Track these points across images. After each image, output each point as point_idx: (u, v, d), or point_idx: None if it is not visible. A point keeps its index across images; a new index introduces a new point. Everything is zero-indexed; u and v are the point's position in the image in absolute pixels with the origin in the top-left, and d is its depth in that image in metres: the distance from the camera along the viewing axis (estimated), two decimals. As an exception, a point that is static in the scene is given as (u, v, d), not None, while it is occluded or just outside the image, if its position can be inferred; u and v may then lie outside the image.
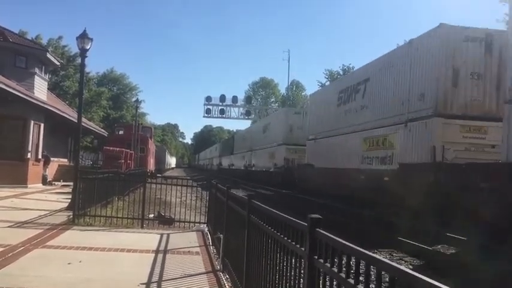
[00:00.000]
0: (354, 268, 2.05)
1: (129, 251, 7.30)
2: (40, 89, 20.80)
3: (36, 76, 20.24)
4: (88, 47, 12.28)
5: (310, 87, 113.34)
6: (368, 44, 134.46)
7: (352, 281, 2.04)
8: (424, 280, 1.50)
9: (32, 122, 19.63)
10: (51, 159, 22.77)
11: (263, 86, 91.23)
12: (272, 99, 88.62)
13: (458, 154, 11.82)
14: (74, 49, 44.75)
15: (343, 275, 2.15)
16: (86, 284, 5.18)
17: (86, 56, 12.55)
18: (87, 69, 45.57)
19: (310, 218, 2.59)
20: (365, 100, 16.80)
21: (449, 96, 12.22)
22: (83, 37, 12.10)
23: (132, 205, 11.33)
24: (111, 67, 72.49)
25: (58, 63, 24.36)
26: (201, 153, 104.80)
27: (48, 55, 21.23)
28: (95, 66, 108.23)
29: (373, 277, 1.85)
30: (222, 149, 61.96)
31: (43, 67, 21.54)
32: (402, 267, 1.68)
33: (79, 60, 21.50)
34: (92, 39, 12.26)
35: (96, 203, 10.98)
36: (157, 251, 7.39)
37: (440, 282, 1.44)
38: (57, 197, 15.46)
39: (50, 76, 30.16)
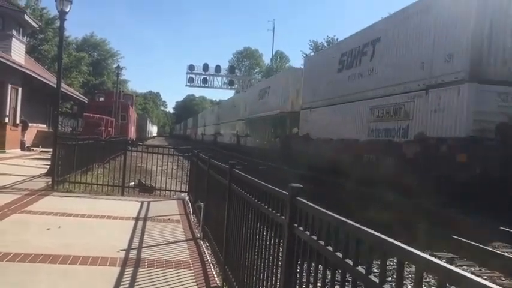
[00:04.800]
0: (333, 236, 2.08)
1: (109, 217, 7.28)
2: (17, 52, 20.20)
3: (13, 38, 19.61)
4: (67, 10, 11.91)
5: (295, 59, 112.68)
6: (352, 17, 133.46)
7: (330, 248, 2.07)
8: (400, 246, 1.52)
9: (10, 85, 19.15)
10: (30, 124, 22.36)
11: (247, 56, 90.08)
12: (256, 70, 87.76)
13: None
14: (53, 12, 43.37)
15: (322, 242, 2.17)
16: (65, 249, 5.16)
17: (65, 19, 12.17)
18: (66, 33, 44.27)
19: (291, 187, 2.62)
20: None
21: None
22: (62, -1, 11.71)
23: (112, 173, 11.26)
24: (91, 32, 70.48)
25: (36, 26, 23.65)
26: (199, 113, 77.51)
27: (26, 17, 20.55)
28: (74, 31, 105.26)
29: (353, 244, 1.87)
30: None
31: (20, 29, 20.86)
32: (379, 234, 1.70)
33: (58, 23, 20.82)
34: (71, 2, 11.89)
35: (76, 170, 10.89)
36: (137, 218, 7.39)
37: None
38: (36, 163, 15.26)
39: (28, 39, 29.25)
